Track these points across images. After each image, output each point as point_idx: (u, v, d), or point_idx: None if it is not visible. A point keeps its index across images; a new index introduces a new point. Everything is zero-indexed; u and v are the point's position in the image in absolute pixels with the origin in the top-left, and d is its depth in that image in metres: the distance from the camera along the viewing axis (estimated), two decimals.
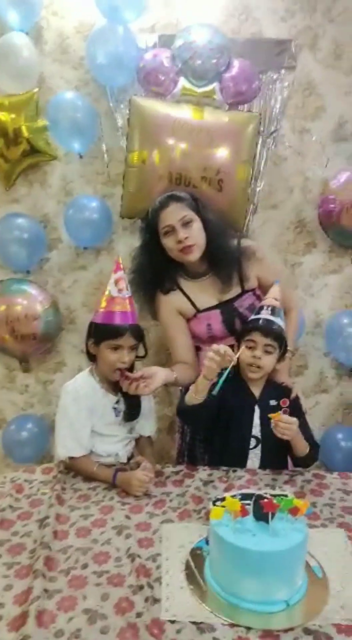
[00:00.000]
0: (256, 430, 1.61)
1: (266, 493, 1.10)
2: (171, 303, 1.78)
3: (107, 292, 1.58)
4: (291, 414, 1.51)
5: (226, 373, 1.42)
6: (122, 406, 1.63)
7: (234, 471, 1.56)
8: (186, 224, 1.65)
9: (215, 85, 1.95)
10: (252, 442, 1.62)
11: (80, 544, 1.22)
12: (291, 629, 0.95)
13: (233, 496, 1.11)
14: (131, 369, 1.62)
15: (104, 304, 1.58)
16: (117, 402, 1.63)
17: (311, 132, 2.26)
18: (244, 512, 1.06)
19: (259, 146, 2.11)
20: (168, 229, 1.67)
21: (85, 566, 1.14)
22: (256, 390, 1.63)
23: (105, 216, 2.22)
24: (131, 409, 1.63)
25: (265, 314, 1.58)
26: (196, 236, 1.67)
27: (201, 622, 0.97)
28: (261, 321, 1.57)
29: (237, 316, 1.75)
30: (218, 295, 1.77)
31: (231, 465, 1.60)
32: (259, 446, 1.62)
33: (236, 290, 1.77)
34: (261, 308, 1.61)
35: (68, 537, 1.25)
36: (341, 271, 2.41)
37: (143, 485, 1.44)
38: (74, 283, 2.41)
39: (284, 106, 2.15)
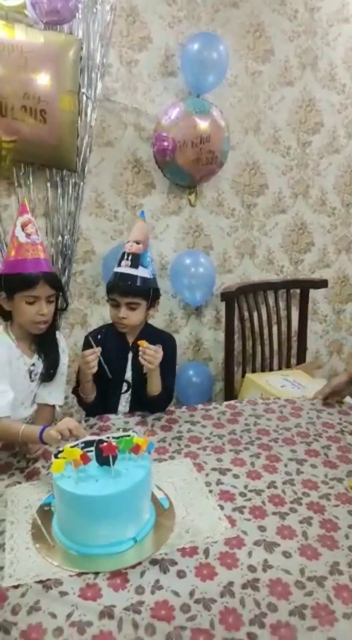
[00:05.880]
0: (128, 375, 1.62)
1: (107, 437, 1.07)
2: None
3: (15, 239, 1.38)
4: (163, 358, 1.50)
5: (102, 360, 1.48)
6: (39, 367, 1.48)
7: (86, 420, 1.54)
8: None
9: None
10: (124, 386, 1.62)
11: None
12: (139, 564, 0.95)
13: (73, 446, 1.06)
14: (54, 321, 1.48)
15: (12, 252, 1.38)
16: (33, 364, 1.46)
17: (139, 65, 2.16)
18: (85, 460, 1.02)
19: (85, 75, 1.94)
20: None
21: None
22: (131, 337, 1.61)
23: None
24: (50, 368, 1.49)
25: (124, 267, 1.50)
26: None
27: (47, 580, 0.92)
28: (119, 279, 1.50)
29: None
30: None
31: (104, 411, 1.59)
32: (130, 390, 1.63)
33: None
34: (122, 257, 1.51)
35: None
36: (180, 212, 2.42)
37: None
38: None
39: (109, 33, 2.00)
